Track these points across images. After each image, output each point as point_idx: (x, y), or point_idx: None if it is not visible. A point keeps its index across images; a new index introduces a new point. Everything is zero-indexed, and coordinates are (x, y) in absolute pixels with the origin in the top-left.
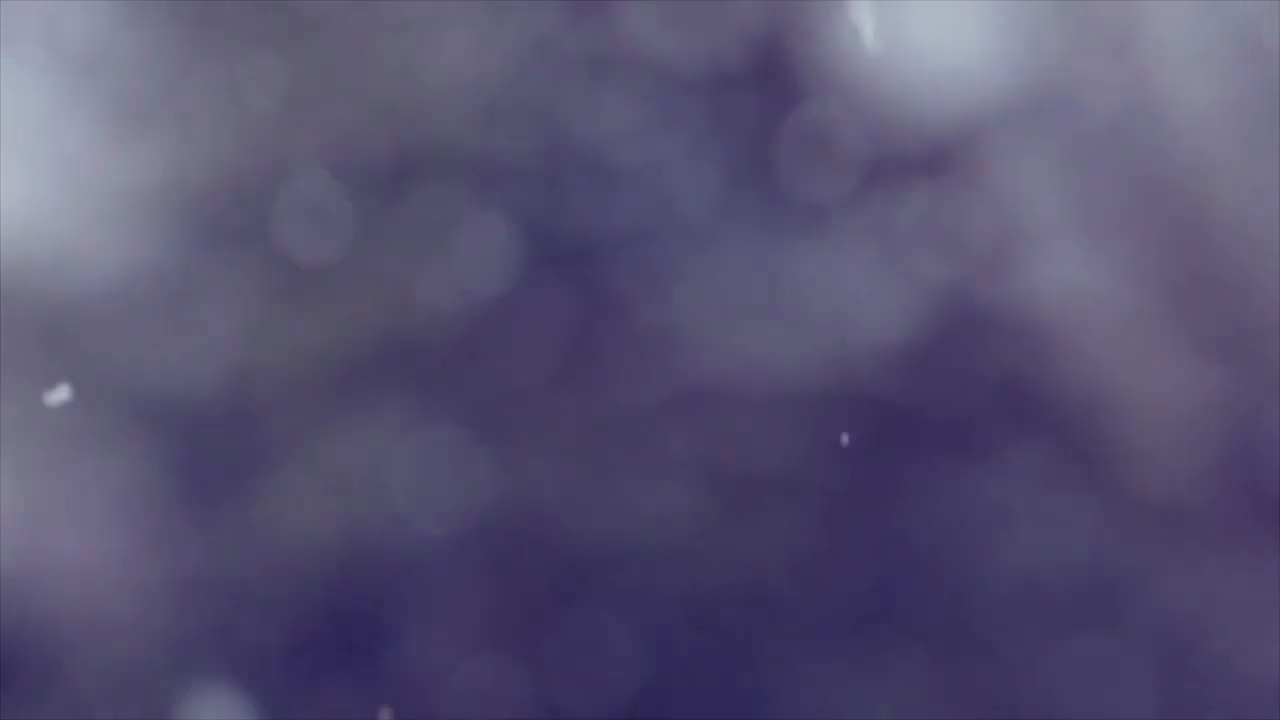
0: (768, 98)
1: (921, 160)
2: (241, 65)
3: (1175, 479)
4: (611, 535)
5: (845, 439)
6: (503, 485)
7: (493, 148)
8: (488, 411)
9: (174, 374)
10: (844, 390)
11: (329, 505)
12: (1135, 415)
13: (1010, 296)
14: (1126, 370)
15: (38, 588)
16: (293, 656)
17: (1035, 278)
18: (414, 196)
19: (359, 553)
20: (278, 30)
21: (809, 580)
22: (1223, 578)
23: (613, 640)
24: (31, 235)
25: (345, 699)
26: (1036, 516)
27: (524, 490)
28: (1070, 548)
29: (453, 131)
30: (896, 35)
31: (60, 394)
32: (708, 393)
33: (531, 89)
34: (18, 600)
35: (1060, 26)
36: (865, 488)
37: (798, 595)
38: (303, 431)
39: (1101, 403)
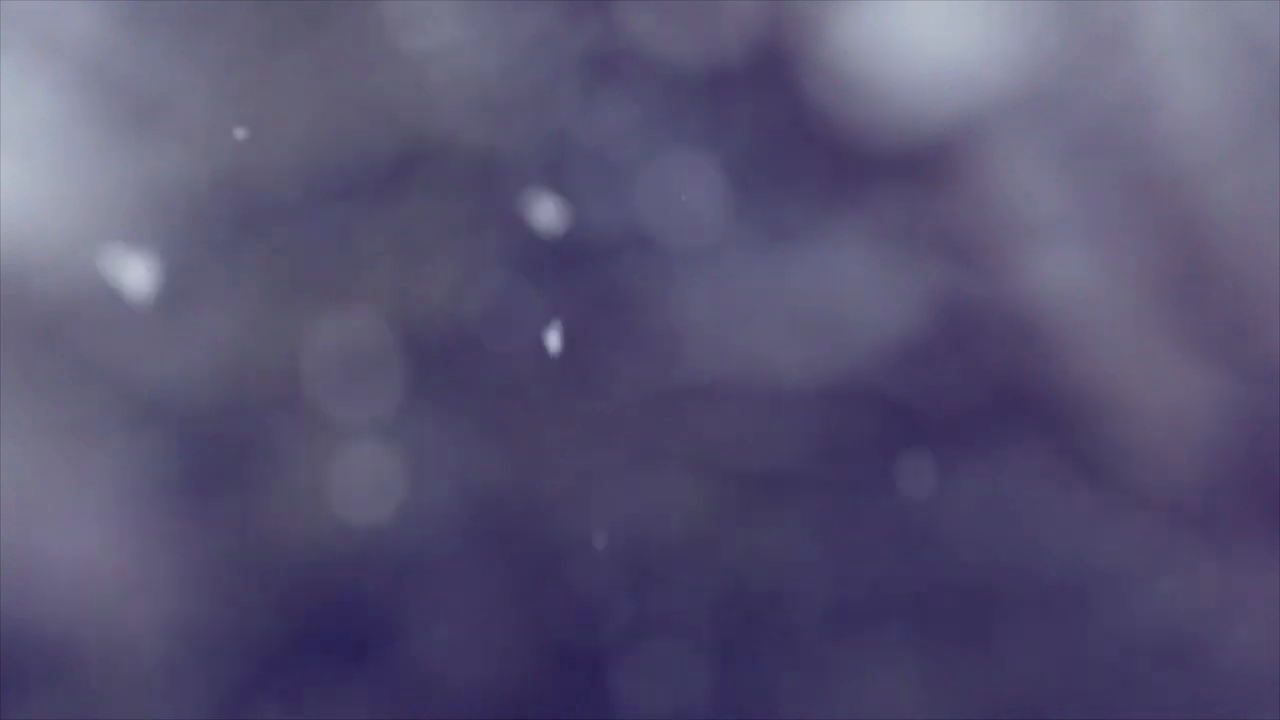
0: (768, 98)
1: (921, 159)
2: (241, 65)
3: (1175, 478)
4: (611, 533)
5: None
6: (502, 483)
7: (493, 147)
8: (488, 411)
9: (174, 373)
10: (844, 389)
11: (327, 504)
12: (1135, 413)
13: (1010, 296)
14: (1126, 368)
15: (38, 586)
16: (292, 655)
17: (1035, 277)
18: (414, 196)
19: (358, 552)
20: (278, 30)
21: (808, 578)
22: (1223, 577)
23: (612, 638)
24: (31, 235)
25: (345, 697)
26: (1036, 514)
27: (524, 488)
28: (1070, 545)
29: (454, 130)
30: (896, 35)
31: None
32: (708, 392)
33: (532, 88)
34: (18, 599)
35: (1059, 24)
36: (865, 486)
37: (798, 592)
38: (302, 431)
39: (1101, 401)
